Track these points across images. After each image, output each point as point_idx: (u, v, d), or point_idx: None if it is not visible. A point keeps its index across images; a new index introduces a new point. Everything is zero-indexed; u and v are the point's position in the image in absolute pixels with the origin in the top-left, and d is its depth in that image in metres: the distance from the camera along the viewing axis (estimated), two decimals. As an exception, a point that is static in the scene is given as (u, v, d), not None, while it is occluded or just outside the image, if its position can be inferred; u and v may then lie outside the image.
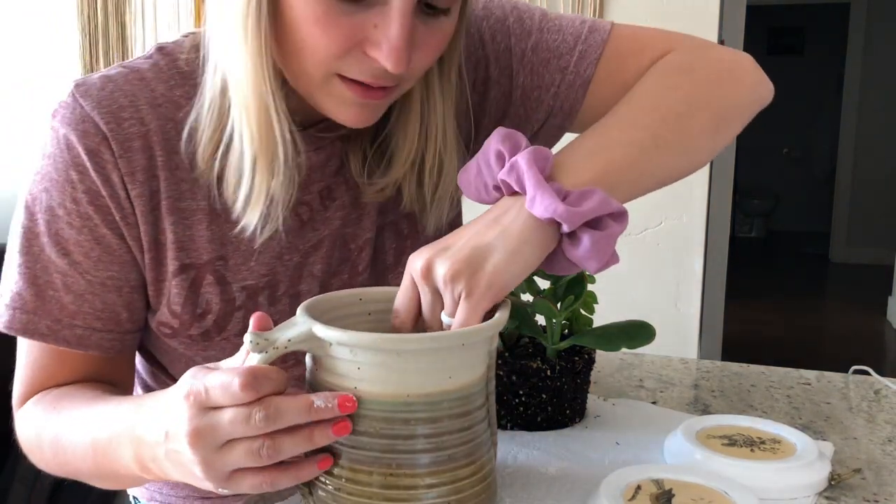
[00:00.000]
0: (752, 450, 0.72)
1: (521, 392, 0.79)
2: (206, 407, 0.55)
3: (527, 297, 0.81)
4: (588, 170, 0.67)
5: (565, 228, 0.63)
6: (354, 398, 0.56)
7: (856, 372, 1.02)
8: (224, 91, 0.70)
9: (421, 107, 0.75)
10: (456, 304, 0.61)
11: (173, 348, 0.79)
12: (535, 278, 0.81)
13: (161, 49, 0.78)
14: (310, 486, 0.59)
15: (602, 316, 0.82)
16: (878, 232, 6.14)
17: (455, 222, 0.88)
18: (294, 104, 0.71)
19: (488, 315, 0.61)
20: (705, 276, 2.27)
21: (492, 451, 0.62)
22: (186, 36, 0.79)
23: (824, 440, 0.80)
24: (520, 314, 0.79)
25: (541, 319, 0.81)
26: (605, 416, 0.84)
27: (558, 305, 0.78)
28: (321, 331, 0.56)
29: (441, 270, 0.61)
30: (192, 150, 0.73)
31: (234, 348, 0.66)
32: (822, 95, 7.02)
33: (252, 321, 0.57)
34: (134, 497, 0.96)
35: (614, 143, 0.70)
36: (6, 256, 0.75)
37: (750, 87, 0.81)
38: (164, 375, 0.85)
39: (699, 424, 0.76)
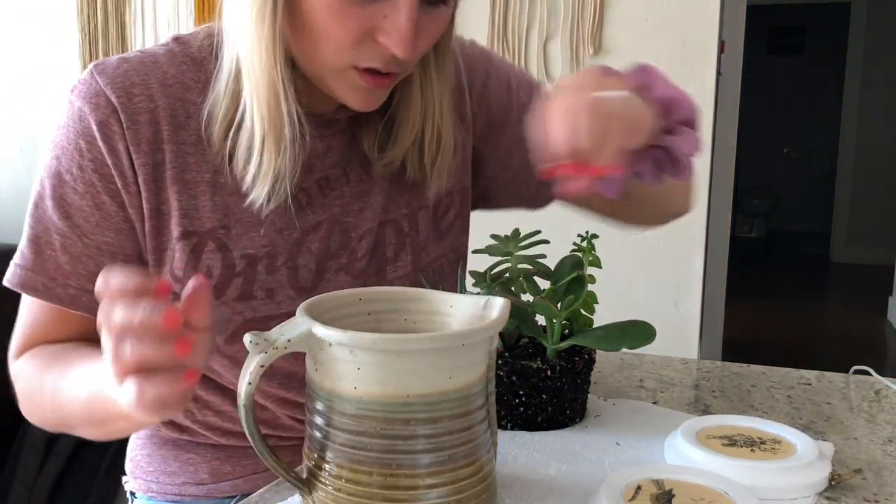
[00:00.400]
0: (752, 450, 0.72)
1: (521, 392, 0.79)
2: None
3: (527, 297, 0.81)
4: None
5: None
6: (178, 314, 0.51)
7: (856, 372, 1.02)
8: (238, 76, 0.77)
9: (421, 89, 0.83)
10: None
11: None
12: (535, 278, 0.81)
13: (177, 38, 0.85)
14: (310, 486, 0.59)
15: (602, 316, 0.82)
16: (878, 232, 6.14)
17: (455, 190, 0.93)
18: (301, 96, 0.77)
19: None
20: (705, 276, 2.27)
21: (492, 451, 0.62)
22: (198, 31, 0.85)
23: (825, 440, 0.80)
24: (520, 314, 0.79)
25: (541, 319, 0.81)
26: (605, 416, 0.84)
27: (558, 305, 0.78)
28: (321, 331, 0.56)
29: None
30: (209, 130, 0.80)
31: (232, 311, 0.79)
32: (822, 95, 7.02)
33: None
34: (131, 492, 0.98)
35: None
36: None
37: None
38: None
39: (699, 424, 0.76)
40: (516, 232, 0.84)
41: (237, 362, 0.82)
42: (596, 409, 0.86)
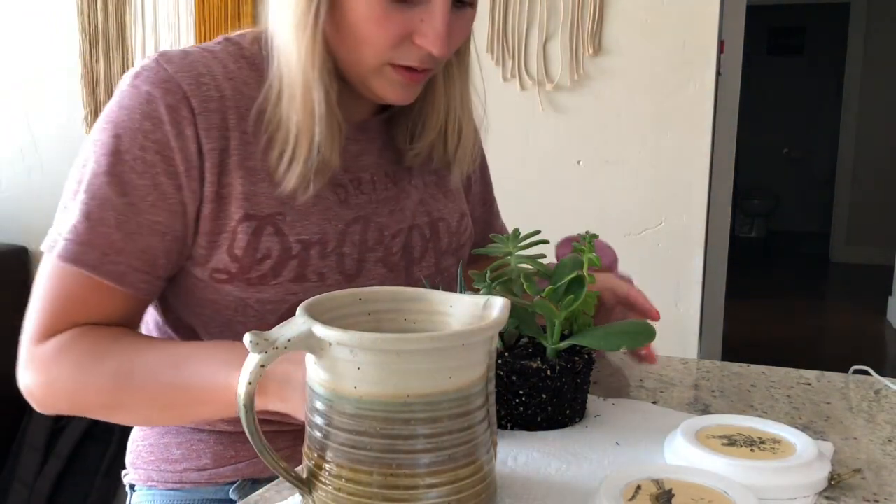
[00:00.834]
0: (751, 450, 0.72)
1: (521, 392, 0.79)
2: None
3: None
4: None
5: None
6: None
7: (856, 372, 1.02)
8: (281, 78, 0.84)
9: (444, 84, 0.93)
10: None
11: (222, 295, 0.86)
12: (535, 278, 0.81)
13: (228, 38, 0.91)
14: (310, 485, 0.59)
15: (602, 316, 0.82)
16: (878, 232, 6.14)
17: (478, 198, 1.13)
18: (339, 103, 0.85)
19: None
20: (705, 276, 2.27)
21: (492, 451, 0.62)
22: (245, 33, 0.92)
23: (824, 440, 0.80)
24: (520, 314, 0.79)
25: (541, 319, 0.81)
26: (605, 416, 0.84)
27: (558, 305, 0.78)
28: (321, 331, 0.56)
29: None
30: (258, 124, 0.85)
31: (286, 292, 0.86)
32: (822, 95, 7.02)
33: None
34: (130, 484, 0.99)
35: None
36: (61, 202, 0.84)
37: None
38: (169, 328, 0.94)
39: (699, 424, 0.76)
40: (516, 232, 0.84)
41: None
42: (596, 409, 0.86)
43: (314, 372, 0.59)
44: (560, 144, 2.06)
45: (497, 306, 0.62)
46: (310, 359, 0.59)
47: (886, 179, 6.16)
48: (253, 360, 0.57)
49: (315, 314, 0.59)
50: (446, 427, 0.57)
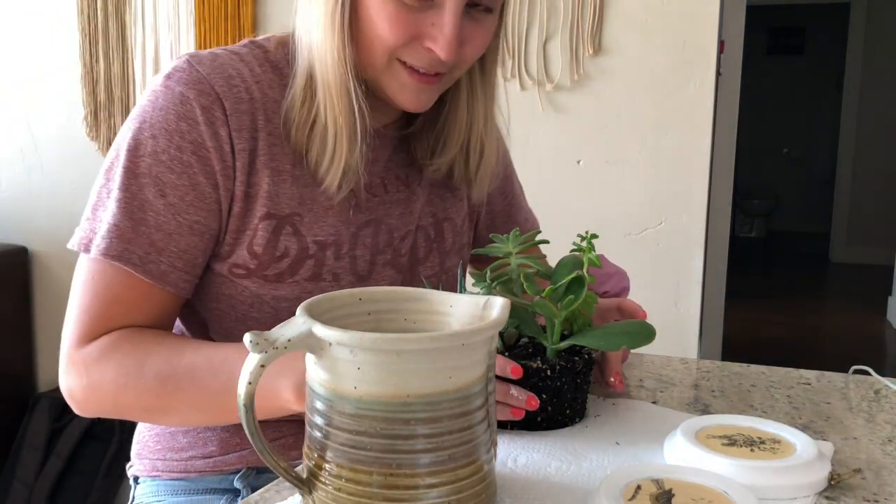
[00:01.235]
0: (751, 450, 0.72)
1: (521, 392, 0.79)
2: None
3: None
4: None
5: None
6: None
7: (856, 372, 1.02)
8: (310, 81, 0.86)
9: (467, 104, 0.93)
10: None
11: (239, 290, 0.88)
12: (536, 278, 0.81)
13: (252, 42, 0.92)
14: (310, 485, 0.59)
15: (602, 316, 0.82)
16: (878, 232, 6.14)
17: (498, 191, 1.10)
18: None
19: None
20: (705, 276, 2.27)
21: (492, 451, 0.62)
22: (269, 37, 0.94)
23: (824, 440, 0.80)
24: (520, 314, 0.79)
25: (540, 319, 0.81)
26: (605, 416, 0.84)
27: (558, 305, 0.78)
28: (321, 331, 0.56)
29: None
30: (287, 127, 0.87)
31: (302, 290, 0.88)
32: (822, 95, 7.02)
33: None
34: (135, 477, 0.99)
35: None
36: (89, 202, 0.85)
37: None
38: (180, 321, 0.96)
39: (699, 424, 0.76)
40: (516, 232, 0.84)
41: None
42: (596, 408, 0.86)
43: (314, 372, 0.59)
44: (560, 144, 2.06)
45: (497, 306, 0.62)
46: (310, 359, 0.59)
47: (886, 179, 6.16)
48: (253, 360, 0.57)
49: (315, 314, 0.59)
50: (446, 427, 0.57)
